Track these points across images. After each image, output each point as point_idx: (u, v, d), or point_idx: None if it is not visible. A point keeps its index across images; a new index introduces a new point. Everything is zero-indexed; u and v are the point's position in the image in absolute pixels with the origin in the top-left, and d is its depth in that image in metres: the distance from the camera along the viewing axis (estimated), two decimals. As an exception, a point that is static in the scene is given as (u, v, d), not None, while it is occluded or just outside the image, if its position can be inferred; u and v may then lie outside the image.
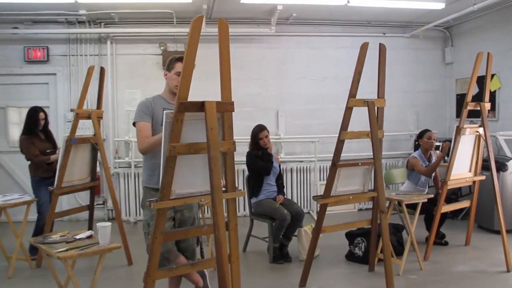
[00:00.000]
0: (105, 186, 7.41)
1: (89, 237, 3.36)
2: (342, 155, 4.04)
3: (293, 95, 7.81)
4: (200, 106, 2.91)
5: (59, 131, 7.01)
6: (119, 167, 7.46)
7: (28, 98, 7.17)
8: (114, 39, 7.42)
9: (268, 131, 5.39)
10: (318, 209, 4.29)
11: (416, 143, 7.63)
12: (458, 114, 7.87)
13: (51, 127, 7.20)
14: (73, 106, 7.14)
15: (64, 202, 7.27)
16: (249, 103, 7.65)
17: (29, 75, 7.31)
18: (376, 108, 4.00)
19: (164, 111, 2.97)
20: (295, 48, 7.81)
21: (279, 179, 5.48)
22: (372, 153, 3.89)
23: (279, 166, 5.53)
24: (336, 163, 4.00)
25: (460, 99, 7.84)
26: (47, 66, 7.36)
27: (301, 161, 7.76)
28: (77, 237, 3.31)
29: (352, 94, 3.93)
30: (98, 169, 7.14)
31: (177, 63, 3.64)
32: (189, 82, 2.93)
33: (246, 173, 5.63)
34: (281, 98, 7.79)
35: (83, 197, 6.74)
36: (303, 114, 7.82)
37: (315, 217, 7.05)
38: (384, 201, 3.86)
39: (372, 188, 4.42)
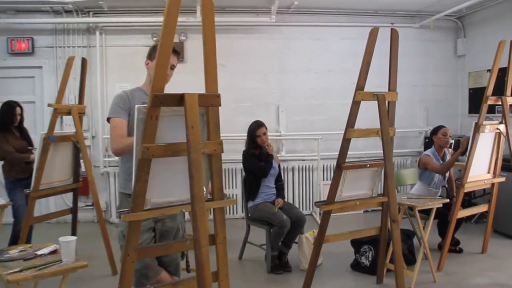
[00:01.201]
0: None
1: (53, 252, 2.90)
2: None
3: (295, 89, 7.37)
4: (179, 100, 2.44)
5: (46, 129, 6.54)
6: (109, 166, 7.04)
7: (12, 93, 6.66)
8: (103, 29, 6.99)
9: (266, 128, 4.92)
10: (321, 213, 3.80)
11: (426, 140, 7.20)
12: (471, 110, 7.46)
13: (37, 123, 6.85)
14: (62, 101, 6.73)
15: (51, 204, 6.91)
16: (248, 98, 7.23)
17: (13, 68, 6.89)
18: (386, 102, 3.52)
19: (136, 106, 2.50)
20: (297, 39, 7.36)
21: (279, 181, 5.01)
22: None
23: (279, 166, 5.05)
24: (341, 165, 3.52)
25: (473, 94, 7.41)
26: (32, 58, 6.94)
27: (303, 160, 7.31)
28: (39, 252, 2.84)
29: (360, 86, 3.45)
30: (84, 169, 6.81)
31: None
32: (165, 70, 2.46)
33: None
34: (282, 92, 7.36)
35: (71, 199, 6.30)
36: (305, 110, 7.38)
37: (318, 220, 6.62)
38: (396, 209, 3.39)
39: (382, 192, 3.93)
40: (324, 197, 7.13)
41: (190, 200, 2.39)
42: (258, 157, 4.82)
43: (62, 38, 6.94)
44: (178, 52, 3.26)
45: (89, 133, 6.93)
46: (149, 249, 2.75)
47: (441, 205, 4.34)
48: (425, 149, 7.20)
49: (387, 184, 3.42)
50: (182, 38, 6.94)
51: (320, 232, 3.72)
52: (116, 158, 6.68)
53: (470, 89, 7.54)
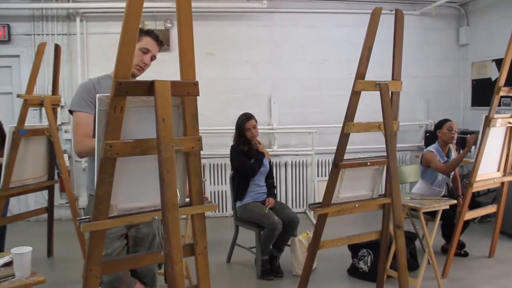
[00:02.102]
0: (75, 183, 6.64)
1: (7, 264, 2.49)
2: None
3: (288, 80, 6.97)
4: (148, 88, 2.05)
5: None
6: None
7: (-13, 84, 6.32)
8: (84, 16, 6.55)
9: (256, 121, 4.53)
10: (315, 216, 3.41)
11: (427, 134, 6.83)
12: (474, 102, 7.12)
13: (15, 116, 6.41)
14: (41, 91, 6.35)
15: (30, 201, 6.54)
16: (238, 89, 6.84)
17: (-12, 57, 6.44)
18: (390, 93, 3.13)
19: (97, 95, 2.10)
20: (291, 26, 6.95)
21: (269, 179, 4.62)
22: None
23: (270, 163, 4.66)
24: (338, 163, 3.13)
25: (476, 85, 7.05)
26: (9, 47, 6.49)
27: (297, 155, 6.93)
28: (-10, 265, 2.44)
29: (360, 74, 3.05)
30: (68, 163, 6.42)
31: (145, 36, 2.80)
32: (132, 50, 2.08)
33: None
34: (274, 83, 6.96)
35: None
36: (299, 102, 7.00)
37: (313, 219, 6.26)
38: (400, 213, 3.01)
39: (383, 193, 3.55)
40: (319, 194, 6.85)
41: (161, 207, 2.00)
42: (247, 154, 4.43)
43: (40, 25, 6.50)
44: (161, 42, 2.86)
45: (69, 126, 6.51)
46: (116, 263, 2.35)
47: (447, 207, 3.96)
48: (426, 144, 6.85)
49: (391, 184, 3.04)
50: (168, 25, 6.51)
51: (315, 237, 3.33)
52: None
53: (473, 80, 7.17)
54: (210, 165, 6.66)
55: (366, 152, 6.88)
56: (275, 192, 4.65)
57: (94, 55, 6.58)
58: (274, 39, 6.91)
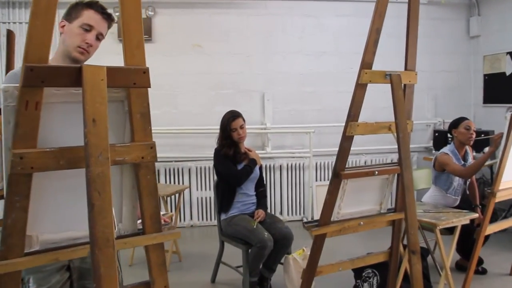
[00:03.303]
0: None
1: None
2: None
3: (283, 74, 6.38)
4: (75, 76, 1.45)
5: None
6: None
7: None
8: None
9: (244, 120, 3.93)
10: (312, 236, 2.80)
11: (436, 134, 6.25)
12: (487, 99, 6.54)
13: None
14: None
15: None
16: (228, 84, 6.25)
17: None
18: (402, 85, 2.54)
19: (2, 86, 1.51)
20: (286, 15, 6.35)
21: (260, 187, 4.01)
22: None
23: (260, 168, 4.06)
24: (340, 173, 2.53)
25: (489, 81, 6.47)
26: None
27: (293, 157, 6.34)
28: None
29: (367, 63, 2.45)
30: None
31: (86, 10, 2.17)
32: (49, 25, 1.48)
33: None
34: (268, 77, 6.36)
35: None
36: (295, 98, 6.41)
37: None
38: (416, 235, 2.41)
39: (393, 207, 2.95)
40: (317, 200, 6.23)
41: (90, 244, 1.41)
42: (232, 159, 3.83)
43: (6, 12, 5.88)
44: (109, 15, 2.23)
45: None
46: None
47: (468, 221, 3.37)
48: (434, 144, 6.29)
49: (403, 199, 2.44)
50: (150, 13, 5.91)
51: (311, 261, 2.74)
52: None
53: (485, 75, 6.58)
54: (196, 168, 6.07)
55: (368, 154, 6.34)
56: (266, 202, 4.04)
57: None
58: (267, 29, 6.33)
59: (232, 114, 3.90)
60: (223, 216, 3.88)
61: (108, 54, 5.84)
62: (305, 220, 6.19)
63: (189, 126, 6.02)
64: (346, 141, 2.48)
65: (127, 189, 1.72)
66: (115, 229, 1.46)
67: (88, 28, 2.08)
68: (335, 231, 2.69)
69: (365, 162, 6.37)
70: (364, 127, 2.48)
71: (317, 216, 6.15)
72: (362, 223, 2.78)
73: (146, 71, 1.59)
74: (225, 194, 3.85)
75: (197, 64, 6.08)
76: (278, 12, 6.30)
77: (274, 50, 6.34)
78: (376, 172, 2.65)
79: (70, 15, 2.15)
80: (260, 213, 3.79)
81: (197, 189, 6.10)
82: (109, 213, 1.39)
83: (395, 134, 2.49)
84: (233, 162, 3.83)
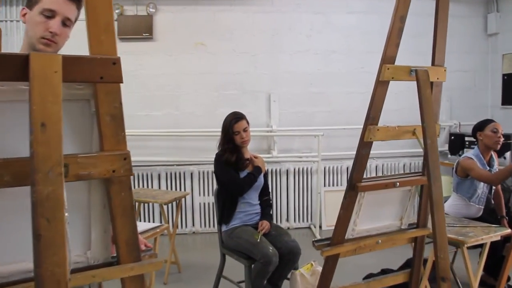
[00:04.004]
0: None
1: None
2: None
3: (290, 74, 6.06)
4: (21, 67, 1.12)
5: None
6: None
7: None
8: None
9: (248, 122, 3.60)
10: (323, 257, 2.46)
11: (452, 137, 5.89)
12: (505, 100, 6.21)
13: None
14: None
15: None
16: (232, 85, 5.94)
17: None
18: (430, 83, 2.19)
19: None
20: (293, 12, 6.03)
21: (264, 195, 3.67)
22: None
23: (265, 175, 3.71)
24: (356, 185, 2.19)
25: (508, 81, 6.12)
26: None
27: (300, 161, 6.01)
28: None
29: (389, 57, 2.10)
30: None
31: None
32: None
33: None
34: (275, 78, 6.04)
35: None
36: (303, 99, 6.08)
37: (318, 237, 5.32)
38: (447, 259, 2.06)
39: (415, 223, 2.60)
40: (325, 207, 5.94)
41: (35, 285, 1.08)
42: (235, 165, 3.49)
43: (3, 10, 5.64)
44: None
45: None
46: None
47: (498, 238, 3.01)
48: (450, 148, 5.94)
49: (433, 217, 2.09)
50: (151, 10, 5.60)
51: (322, 285, 2.40)
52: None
53: (504, 75, 6.22)
54: (199, 173, 5.76)
55: (379, 158, 5.99)
56: (271, 212, 3.69)
57: (65, 44, 5.61)
58: (274, 27, 6.01)
59: (234, 115, 3.57)
60: (224, 228, 3.54)
61: None
62: (312, 227, 5.86)
63: (192, 129, 5.72)
64: (364, 147, 2.14)
65: (97, 209, 1.39)
66: (69, 266, 1.12)
67: (50, 14, 1.74)
68: (349, 251, 2.35)
69: (376, 167, 6.04)
70: (385, 132, 2.14)
71: (325, 224, 5.87)
72: (380, 241, 2.43)
73: (116, 62, 1.27)
74: (226, 203, 3.51)
75: (200, 64, 5.80)
76: (285, 9, 5.99)
77: (280, 49, 6.03)
78: (397, 184, 2.31)
79: (31, 0, 1.82)
80: (265, 224, 3.45)
81: (199, 194, 5.79)
82: (61, 248, 1.07)
83: (421, 139, 2.15)
84: (235, 169, 3.49)
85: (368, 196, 2.32)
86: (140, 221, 4.85)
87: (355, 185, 2.18)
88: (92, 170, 1.27)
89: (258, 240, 3.26)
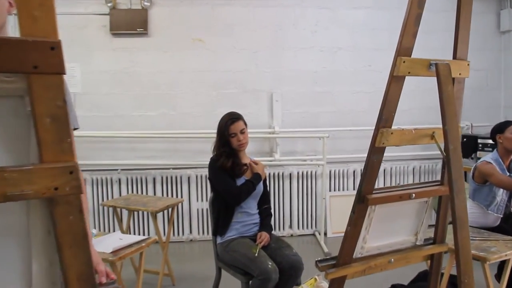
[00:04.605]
0: None
1: None
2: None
3: (293, 72, 5.73)
4: None
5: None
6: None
7: None
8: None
9: (245, 123, 3.31)
10: (327, 280, 2.16)
11: (464, 139, 5.58)
12: (519, 100, 5.86)
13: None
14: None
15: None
16: (232, 83, 5.62)
17: None
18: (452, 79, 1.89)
19: None
20: (297, 7, 5.71)
21: (264, 203, 3.37)
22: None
23: (264, 181, 3.41)
24: (366, 197, 1.88)
25: (522, 79, 5.79)
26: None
27: (304, 164, 5.70)
28: None
29: (405, 49, 1.79)
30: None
31: None
32: None
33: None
34: (277, 76, 5.72)
35: None
36: (307, 99, 5.76)
37: (323, 246, 5.05)
38: (472, 284, 1.76)
39: (431, 238, 2.29)
40: (330, 213, 5.63)
41: None
42: (230, 171, 3.19)
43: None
44: None
45: None
46: None
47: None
48: (462, 151, 5.60)
49: (456, 233, 1.79)
50: (146, 4, 5.30)
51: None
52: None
53: (518, 73, 5.93)
54: (196, 177, 5.46)
55: (387, 161, 5.68)
56: (271, 222, 3.38)
57: None
58: (276, 22, 5.69)
59: (230, 116, 3.27)
60: (218, 239, 3.24)
61: (101, 50, 5.41)
62: (317, 235, 5.56)
63: (189, 130, 5.42)
64: (376, 154, 1.83)
65: (38, 236, 1.09)
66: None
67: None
68: (357, 272, 2.04)
69: (384, 171, 5.73)
70: (399, 136, 1.83)
71: (330, 230, 5.57)
72: (392, 260, 2.12)
73: (56, 47, 0.96)
74: (221, 212, 3.21)
75: (198, 61, 5.50)
76: (288, 3, 5.67)
77: (283, 45, 5.71)
78: (413, 195, 2.00)
79: None
80: (264, 236, 3.14)
81: (197, 200, 5.49)
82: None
83: (441, 144, 1.85)
84: (231, 175, 3.19)
85: (380, 209, 2.01)
86: (130, 232, 4.56)
87: (365, 197, 1.88)
88: (26, 187, 0.98)
89: (256, 255, 2.96)
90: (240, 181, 3.20)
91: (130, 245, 2.76)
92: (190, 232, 5.52)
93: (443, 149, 1.84)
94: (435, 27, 5.62)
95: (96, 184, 5.35)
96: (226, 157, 3.18)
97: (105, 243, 2.78)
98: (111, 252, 2.62)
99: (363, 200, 1.88)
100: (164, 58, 5.44)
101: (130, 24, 5.29)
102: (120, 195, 5.28)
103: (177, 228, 5.47)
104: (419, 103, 5.69)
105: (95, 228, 5.26)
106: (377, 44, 5.63)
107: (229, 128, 3.21)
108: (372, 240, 2.09)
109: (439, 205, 2.20)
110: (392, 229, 2.15)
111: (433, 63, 1.79)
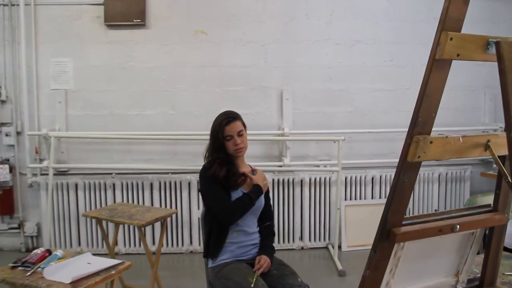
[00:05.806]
0: (20, 203, 5.12)
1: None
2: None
3: (306, 68, 5.28)
4: None
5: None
6: (41, 174, 5.04)
7: None
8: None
9: (244, 124, 2.80)
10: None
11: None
12: (562, 100, 5.25)
13: None
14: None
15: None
16: (239, 80, 5.20)
17: None
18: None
19: None
20: (311, -5, 5.28)
21: (266, 220, 2.84)
22: None
23: (266, 194, 2.87)
24: (393, 231, 1.35)
25: None
26: None
27: (317, 170, 5.23)
28: None
29: (453, 20, 1.26)
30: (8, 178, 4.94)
31: None
32: None
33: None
34: (288, 72, 5.28)
35: None
36: (320, 97, 5.31)
37: (336, 260, 4.56)
38: None
39: (476, 278, 1.75)
40: (346, 224, 5.11)
41: None
42: (224, 182, 2.65)
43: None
44: None
45: (12, 128, 5.04)
46: None
47: None
48: (495, 156, 5.04)
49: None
50: (143, -8, 4.88)
51: None
52: (54, 164, 4.80)
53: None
54: (197, 182, 4.99)
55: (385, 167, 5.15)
56: (273, 243, 2.84)
57: (44, 33, 5.02)
58: (287, 12, 5.24)
59: (226, 115, 2.76)
60: (210, 263, 2.71)
61: (95, 43, 5.00)
62: (330, 248, 5.05)
63: (189, 131, 4.99)
64: (408, 171, 1.29)
65: None
66: None
67: None
68: (379, 329, 1.51)
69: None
70: (442, 146, 1.29)
71: (345, 244, 5.08)
72: (426, 310, 1.59)
73: None
74: (213, 231, 2.68)
75: (201, 55, 5.10)
76: (301, -8, 5.22)
77: (295, 38, 5.27)
78: (457, 227, 1.46)
79: None
80: (263, 261, 2.60)
81: (198, 208, 5.04)
82: None
83: (497, 155, 1.31)
84: (226, 187, 2.65)
85: (410, 245, 1.47)
86: (118, 246, 4.07)
87: (392, 232, 1.34)
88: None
89: (252, 285, 2.42)
90: (236, 194, 2.66)
91: (97, 273, 2.24)
92: (191, 243, 5.06)
93: (503, 164, 1.30)
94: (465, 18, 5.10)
95: (88, 189, 4.95)
96: (219, 165, 2.65)
97: (67, 269, 2.27)
98: (70, 283, 2.10)
99: (389, 236, 1.35)
100: (163, 52, 5.07)
101: (126, 15, 4.91)
102: (114, 201, 4.91)
103: (175, 239, 5.05)
104: (442, 102, 5.17)
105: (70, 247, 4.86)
106: (399, 37, 5.19)
107: (224, 130, 2.70)
108: (398, 285, 1.55)
109: (490, 236, 1.65)
110: (426, 269, 1.61)
111: (493, 41, 1.25)
